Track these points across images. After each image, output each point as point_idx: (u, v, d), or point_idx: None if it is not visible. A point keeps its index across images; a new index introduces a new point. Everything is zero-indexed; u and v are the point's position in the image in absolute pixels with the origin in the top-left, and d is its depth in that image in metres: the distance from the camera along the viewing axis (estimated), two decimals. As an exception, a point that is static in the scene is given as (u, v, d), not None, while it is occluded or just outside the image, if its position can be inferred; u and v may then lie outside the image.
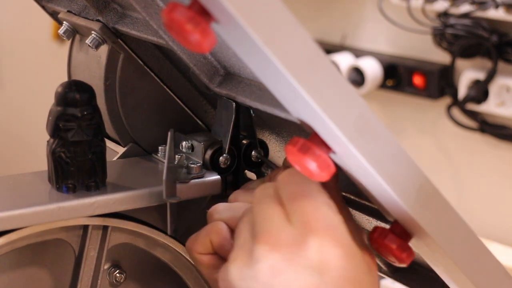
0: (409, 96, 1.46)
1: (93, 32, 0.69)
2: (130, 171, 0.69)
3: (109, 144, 0.72)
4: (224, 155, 0.68)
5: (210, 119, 0.74)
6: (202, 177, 0.67)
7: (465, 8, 1.31)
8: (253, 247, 0.53)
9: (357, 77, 1.46)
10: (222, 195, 0.69)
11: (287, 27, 0.45)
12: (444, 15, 1.34)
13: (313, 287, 0.52)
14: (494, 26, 1.31)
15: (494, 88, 1.33)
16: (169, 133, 0.65)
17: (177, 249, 0.67)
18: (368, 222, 0.69)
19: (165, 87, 0.72)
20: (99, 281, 0.64)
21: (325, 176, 0.52)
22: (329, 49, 1.53)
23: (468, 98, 1.35)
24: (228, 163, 0.68)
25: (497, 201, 1.40)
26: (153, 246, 0.67)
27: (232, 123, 0.67)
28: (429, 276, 0.66)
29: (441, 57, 1.40)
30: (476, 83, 1.35)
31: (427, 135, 1.48)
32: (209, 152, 0.68)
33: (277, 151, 0.71)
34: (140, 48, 0.71)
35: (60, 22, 0.75)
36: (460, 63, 1.38)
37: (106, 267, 0.66)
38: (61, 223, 0.62)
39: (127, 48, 0.70)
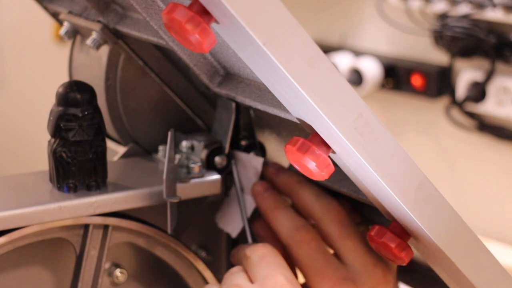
0: (408, 96, 1.47)
1: (94, 32, 0.69)
2: (130, 171, 0.69)
3: (109, 144, 0.73)
4: (220, 155, 0.68)
5: (210, 119, 0.74)
6: (202, 176, 0.67)
7: (464, 9, 1.31)
8: None
9: (356, 78, 1.47)
10: (222, 195, 0.70)
11: (287, 27, 0.46)
12: (442, 16, 1.34)
13: None
14: (492, 27, 1.31)
15: (492, 89, 1.33)
16: (169, 133, 0.66)
17: (177, 248, 0.67)
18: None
19: (165, 87, 0.72)
20: (100, 280, 0.64)
21: (325, 175, 0.52)
22: (329, 49, 1.54)
23: (467, 99, 1.36)
24: (224, 163, 0.69)
25: (495, 200, 1.41)
26: (153, 245, 0.67)
27: (232, 123, 0.68)
28: (428, 275, 0.66)
29: (440, 57, 1.40)
30: (474, 84, 1.35)
31: (426, 135, 1.48)
32: (205, 152, 0.68)
33: (276, 150, 0.72)
34: (141, 49, 0.71)
35: (61, 23, 0.76)
36: (459, 63, 1.39)
37: (107, 266, 0.67)
38: (62, 222, 0.62)
39: (127, 48, 0.70)
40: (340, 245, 0.64)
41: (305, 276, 0.64)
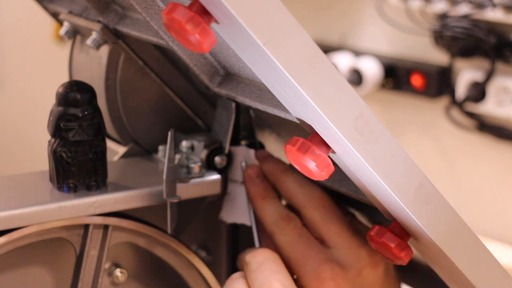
0: (408, 96, 1.47)
1: (94, 32, 0.69)
2: (130, 171, 0.70)
3: (109, 144, 0.73)
4: (220, 155, 0.68)
5: (210, 119, 0.74)
6: (202, 176, 0.67)
7: (464, 9, 1.31)
8: None
9: (356, 78, 1.47)
10: (222, 195, 0.70)
11: (287, 27, 0.46)
12: (442, 16, 1.34)
13: None
14: (492, 27, 1.31)
15: (492, 89, 1.34)
16: (169, 133, 0.66)
17: (177, 248, 0.67)
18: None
19: (165, 87, 0.72)
20: (100, 280, 0.64)
21: (325, 175, 0.52)
22: (329, 49, 1.54)
23: (467, 99, 1.36)
24: (224, 163, 0.69)
25: (495, 200, 1.41)
26: (153, 245, 0.67)
27: (232, 123, 0.68)
28: (428, 275, 0.66)
29: (440, 57, 1.40)
30: (474, 84, 1.35)
31: (426, 135, 1.48)
32: (205, 152, 0.68)
33: (276, 150, 0.72)
34: (141, 49, 0.71)
35: (61, 23, 0.76)
36: (459, 63, 1.39)
37: (107, 266, 0.67)
38: (62, 222, 0.62)
39: (127, 48, 0.70)
40: (324, 230, 0.64)
41: (289, 264, 0.64)
